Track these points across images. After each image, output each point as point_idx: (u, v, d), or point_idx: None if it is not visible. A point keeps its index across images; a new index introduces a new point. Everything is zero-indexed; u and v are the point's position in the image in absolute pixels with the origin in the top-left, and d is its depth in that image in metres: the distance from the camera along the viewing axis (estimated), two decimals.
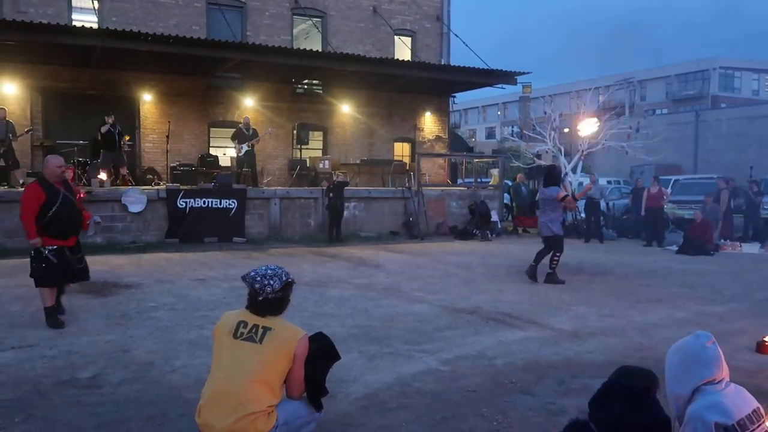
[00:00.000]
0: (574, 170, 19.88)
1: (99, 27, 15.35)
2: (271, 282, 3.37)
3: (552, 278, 9.54)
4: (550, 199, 9.62)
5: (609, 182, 25.43)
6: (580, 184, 19.10)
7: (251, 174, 15.95)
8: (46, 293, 6.44)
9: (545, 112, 21.64)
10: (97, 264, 10.78)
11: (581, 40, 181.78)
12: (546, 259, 9.71)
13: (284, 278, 3.42)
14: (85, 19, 16.56)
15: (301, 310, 7.12)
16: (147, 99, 17.37)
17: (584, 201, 15.99)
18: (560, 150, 20.32)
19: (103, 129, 14.11)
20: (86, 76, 16.65)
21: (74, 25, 14.61)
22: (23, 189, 5.49)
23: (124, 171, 14.73)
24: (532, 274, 9.70)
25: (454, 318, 7.11)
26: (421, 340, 6.10)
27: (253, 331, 3.33)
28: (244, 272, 3.49)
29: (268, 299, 3.37)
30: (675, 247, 14.24)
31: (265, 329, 3.33)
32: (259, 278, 3.39)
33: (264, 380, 3.24)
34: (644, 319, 7.13)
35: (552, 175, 10.01)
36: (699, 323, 6.84)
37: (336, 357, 3.70)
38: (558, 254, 9.66)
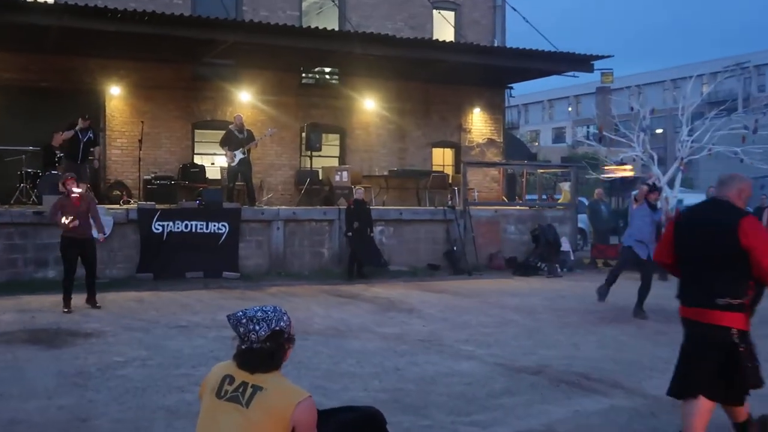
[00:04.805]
0: (671, 184, 19.64)
1: (55, 2, 15.67)
2: (257, 327, 3.30)
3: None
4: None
5: None
6: (680, 201, 18.88)
7: (247, 189, 16.06)
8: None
9: (632, 108, 21.56)
10: (49, 305, 10.91)
11: (679, 16, 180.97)
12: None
13: (273, 325, 3.32)
14: None
15: (312, 369, 7.09)
16: (115, 93, 17.63)
17: None
18: (652, 157, 20.13)
19: (66, 134, 13.92)
20: (39, 64, 16.97)
21: (24, 0, 14.87)
22: (745, 226, 4.78)
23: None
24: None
25: (514, 380, 7.05)
26: (471, 409, 6.06)
27: (240, 390, 3.28)
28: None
29: (253, 349, 3.32)
30: None
31: (255, 389, 3.27)
32: (245, 321, 3.34)
33: None
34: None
35: None
36: None
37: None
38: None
